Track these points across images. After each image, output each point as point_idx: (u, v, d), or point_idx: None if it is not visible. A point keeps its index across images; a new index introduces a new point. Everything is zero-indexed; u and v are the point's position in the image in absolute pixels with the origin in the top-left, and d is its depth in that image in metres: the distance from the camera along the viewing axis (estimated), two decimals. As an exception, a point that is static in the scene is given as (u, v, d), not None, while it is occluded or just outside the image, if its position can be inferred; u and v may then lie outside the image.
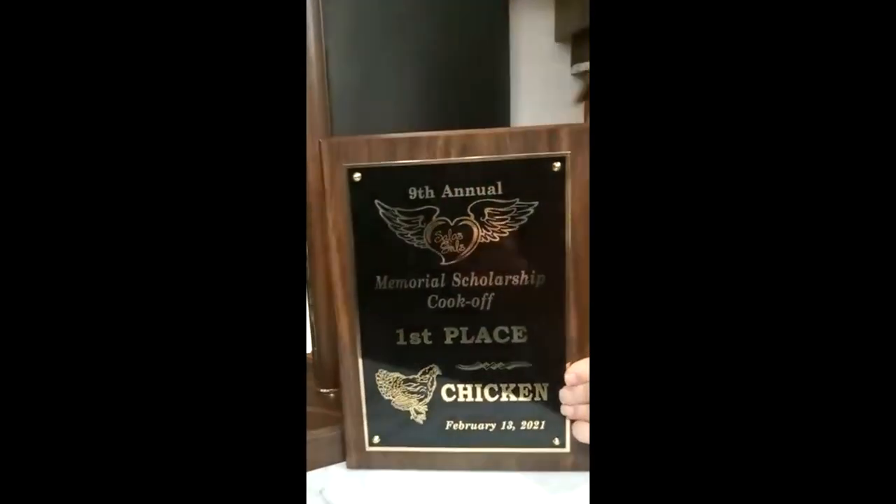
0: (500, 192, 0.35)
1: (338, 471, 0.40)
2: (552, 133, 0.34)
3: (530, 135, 0.34)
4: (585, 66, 0.96)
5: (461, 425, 0.38)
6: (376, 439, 0.40)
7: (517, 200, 0.35)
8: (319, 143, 0.36)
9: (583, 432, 0.36)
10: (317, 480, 0.39)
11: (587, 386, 0.35)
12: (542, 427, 0.38)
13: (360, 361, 0.38)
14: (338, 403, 0.41)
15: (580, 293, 0.35)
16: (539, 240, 0.35)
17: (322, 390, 0.47)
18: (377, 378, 0.39)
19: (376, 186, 0.36)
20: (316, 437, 0.41)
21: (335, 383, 0.44)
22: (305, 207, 0.41)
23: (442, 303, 0.37)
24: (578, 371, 0.35)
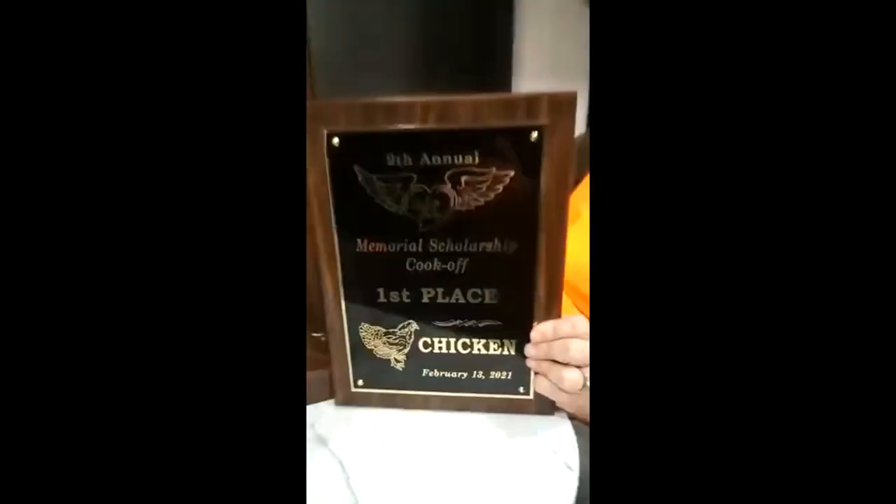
0: (476, 160, 0.33)
1: (327, 408, 0.42)
2: (532, 102, 0.31)
3: (509, 103, 0.32)
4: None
5: (436, 373, 0.39)
6: (360, 382, 0.41)
7: (493, 170, 0.33)
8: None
9: (542, 385, 0.37)
10: (308, 416, 0.41)
11: (550, 344, 0.36)
12: (509, 377, 0.39)
13: (344, 315, 0.39)
14: (328, 347, 0.42)
15: (550, 260, 0.35)
16: (513, 208, 0.34)
17: (314, 334, 0.48)
18: (360, 330, 0.39)
19: (355, 152, 0.34)
20: (307, 378, 0.42)
21: (325, 327, 0.45)
22: (305, 159, 0.39)
23: (419, 266, 0.36)
24: (542, 330, 0.36)
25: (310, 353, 0.45)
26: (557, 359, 0.35)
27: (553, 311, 0.36)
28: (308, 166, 0.34)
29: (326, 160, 0.34)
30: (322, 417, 0.41)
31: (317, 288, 0.44)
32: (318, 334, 0.47)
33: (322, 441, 0.38)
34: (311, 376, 0.42)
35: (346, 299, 0.38)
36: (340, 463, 0.36)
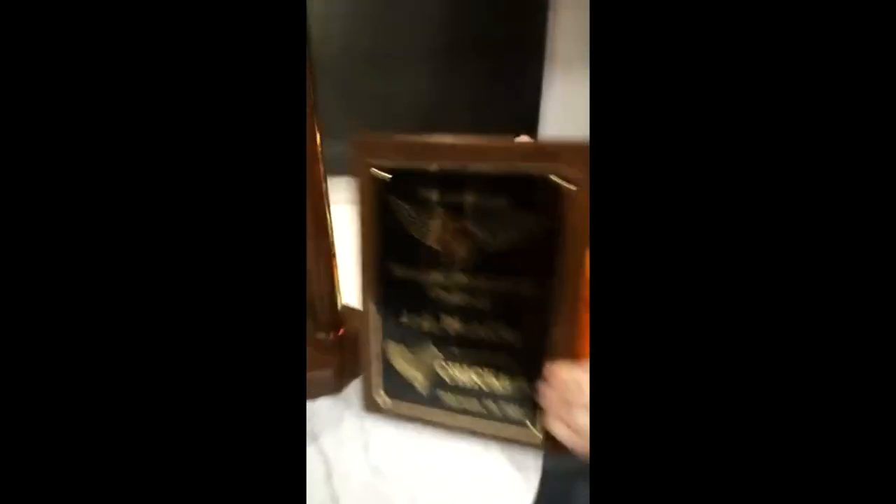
0: (503, 203, 0.34)
1: (322, 407, 0.45)
2: (558, 150, 0.32)
3: (537, 150, 0.32)
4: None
5: (451, 397, 0.41)
6: (383, 393, 0.43)
7: (518, 212, 0.34)
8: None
9: (555, 426, 0.36)
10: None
11: (565, 386, 0.35)
12: (520, 412, 0.39)
13: (375, 332, 0.41)
14: (332, 348, 0.46)
15: (567, 304, 0.35)
16: (535, 252, 0.34)
17: (318, 335, 0.49)
18: (387, 347, 0.42)
19: (394, 185, 0.36)
20: (310, 377, 0.45)
21: (330, 327, 0.48)
22: (305, 163, 0.41)
23: (443, 295, 0.38)
24: (556, 373, 0.35)
25: (315, 353, 0.48)
26: (570, 401, 0.35)
27: (568, 354, 0.36)
28: (357, 198, 0.37)
29: (370, 191, 0.37)
30: (316, 416, 0.44)
31: (321, 291, 0.47)
32: (323, 335, 0.50)
33: (313, 437, 0.41)
34: (317, 375, 0.46)
35: (378, 317, 0.41)
36: (325, 458, 0.38)
